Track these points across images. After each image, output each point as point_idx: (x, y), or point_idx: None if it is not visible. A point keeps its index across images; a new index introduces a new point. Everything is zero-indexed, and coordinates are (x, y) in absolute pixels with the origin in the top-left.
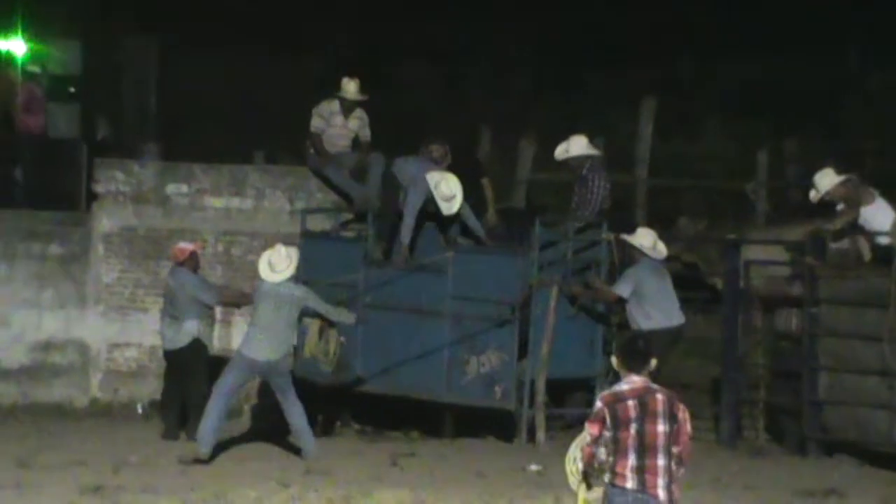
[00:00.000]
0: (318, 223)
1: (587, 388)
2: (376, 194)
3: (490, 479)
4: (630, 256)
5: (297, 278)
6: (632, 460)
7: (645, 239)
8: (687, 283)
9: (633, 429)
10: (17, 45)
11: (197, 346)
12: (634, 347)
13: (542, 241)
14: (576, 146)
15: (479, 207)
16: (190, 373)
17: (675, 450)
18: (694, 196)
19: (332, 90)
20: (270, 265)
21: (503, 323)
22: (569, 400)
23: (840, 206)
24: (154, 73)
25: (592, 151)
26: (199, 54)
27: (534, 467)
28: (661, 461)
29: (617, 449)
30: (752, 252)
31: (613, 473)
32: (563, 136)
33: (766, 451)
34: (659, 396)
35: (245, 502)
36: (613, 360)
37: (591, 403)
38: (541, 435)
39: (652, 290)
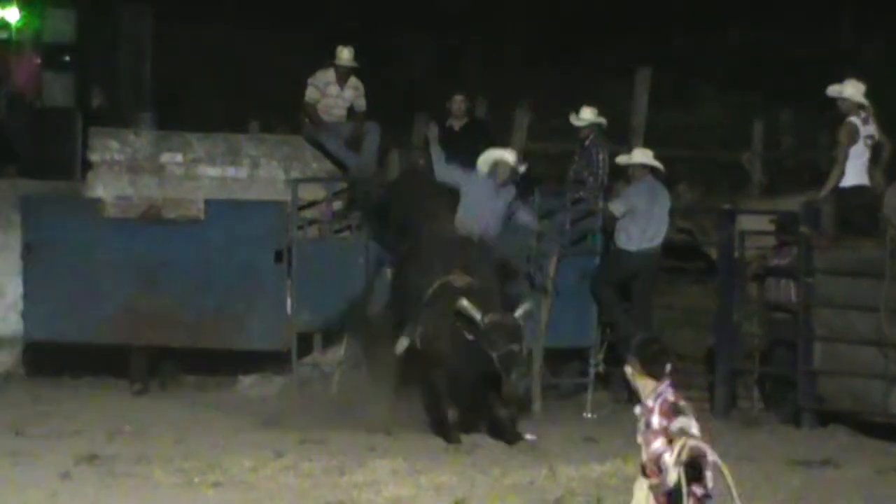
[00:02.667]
0: (312, 193)
1: (582, 358)
2: (371, 163)
3: (484, 448)
4: (630, 177)
5: None
6: None
7: (643, 157)
8: (682, 252)
9: None
10: (11, 13)
11: None
12: (650, 351)
13: (542, 211)
14: (586, 114)
15: None
16: None
17: None
18: (689, 166)
19: (328, 60)
20: None
21: None
22: (564, 370)
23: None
24: (149, 41)
25: (600, 120)
26: (194, 22)
27: (528, 437)
28: None
29: None
30: (747, 222)
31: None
32: (558, 106)
33: (761, 421)
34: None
35: (240, 471)
36: (628, 369)
37: (585, 374)
38: (536, 405)
39: (643, 210)
